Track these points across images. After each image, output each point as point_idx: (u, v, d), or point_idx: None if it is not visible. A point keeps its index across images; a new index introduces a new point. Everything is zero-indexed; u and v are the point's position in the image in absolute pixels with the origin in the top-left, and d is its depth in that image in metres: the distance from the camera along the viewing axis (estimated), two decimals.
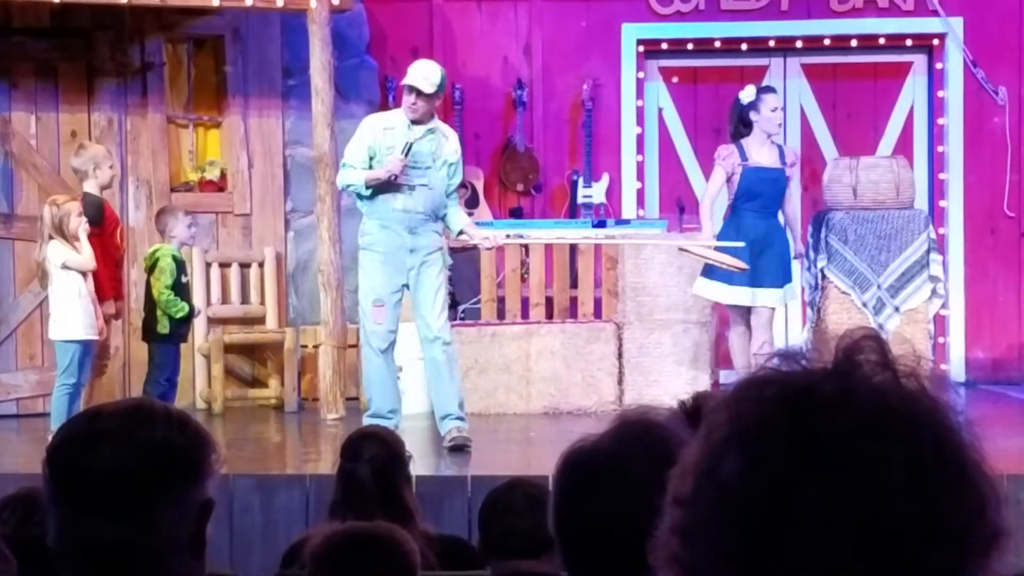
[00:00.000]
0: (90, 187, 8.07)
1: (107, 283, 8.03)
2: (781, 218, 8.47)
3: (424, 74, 7.46)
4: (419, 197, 7.49)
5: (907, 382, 1.05)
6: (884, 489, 1.00)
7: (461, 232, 7.72)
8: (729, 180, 8.30)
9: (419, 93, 7.40)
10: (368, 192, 7.46)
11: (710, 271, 8.28)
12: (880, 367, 1.05)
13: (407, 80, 7.47)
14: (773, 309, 8.39)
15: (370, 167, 7.47)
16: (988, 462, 1.05)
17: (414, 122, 7.46)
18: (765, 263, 8.19)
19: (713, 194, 8.42)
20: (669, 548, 1.06)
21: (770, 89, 8.71)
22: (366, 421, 7.38)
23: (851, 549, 1.00)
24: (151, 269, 8.35)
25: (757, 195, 8.21)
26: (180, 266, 8.36)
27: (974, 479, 1.03)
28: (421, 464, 7.16)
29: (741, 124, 8.34)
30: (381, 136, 7.49)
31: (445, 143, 7.59)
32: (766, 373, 1.06)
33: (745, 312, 8.34)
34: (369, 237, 7.54)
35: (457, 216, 7.71)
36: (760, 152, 8.28)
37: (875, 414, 1.03)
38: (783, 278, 8.34)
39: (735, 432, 1.04)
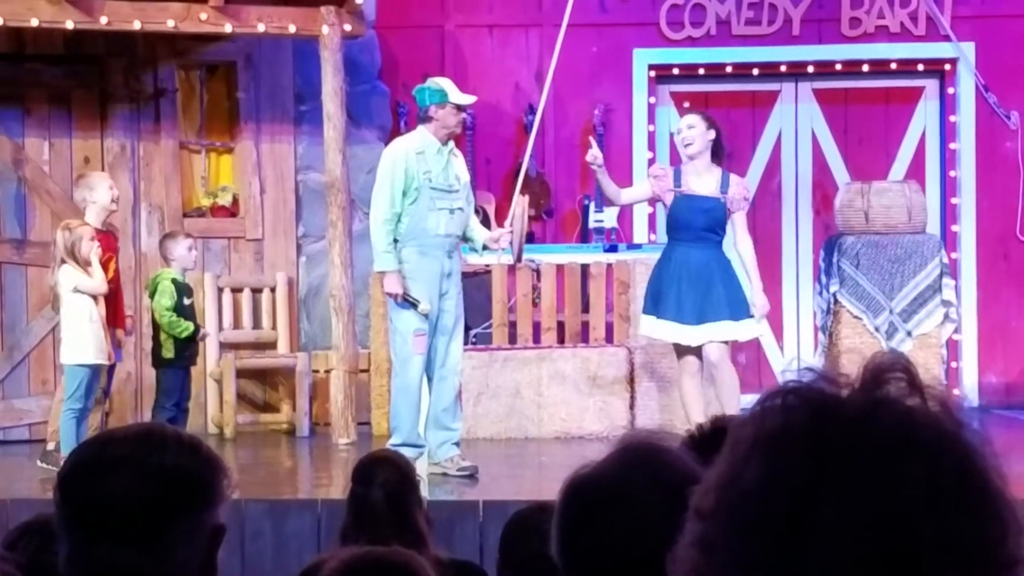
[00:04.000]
0: (90, 215, 7.94)
1: (114, 312, 8.02)
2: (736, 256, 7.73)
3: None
4: (457, 220, 7.49)
5: (933, 405, 1.05)
6: (904, 503, 1.00)
7: (485, 247, 7.72)
8: (660, 202, 7.78)
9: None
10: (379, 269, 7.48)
11: (646, 304, 7.69)
12: (907, 389, 1.05)
13: (465, 99, 7.54)
14: (721, 353, 7.54)
15: (404, 194, 7.42)
16: (1010, 489, 1.04)
17: (444, 141, 7.50)
18: (705, 297, 7.48)
19: (630, 195, 7.89)
20: (689, 561, 1.06)
21: (686, 111, 8.13)
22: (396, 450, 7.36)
23: (868, 562, 0.99)
24: (153, 294, 8.36)
25: (687, 225, 7.54)
26: (181, 289, 8.34)
27: (995, 504, 1.03)
28: (429, 490, 7.16)
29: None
30: (415, 162, 7.42)
31: (459, 161, 7.64)
32: (791, 385, 1.07)
33: (690, 349, 7.58)
34: (408, 265, 7.39)
35: (479, 231, 7.71)
36: (695, 179, 7.61)
37: (899, 430, 1.02)
38: (729, 312, 7.49)
39: (758, 441, 1.04)
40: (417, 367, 7.39)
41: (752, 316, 7.57)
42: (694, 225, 7.55)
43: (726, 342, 7.56)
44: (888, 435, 1.02)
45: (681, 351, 7.64)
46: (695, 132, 7.57)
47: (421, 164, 7.40)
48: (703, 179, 7.59)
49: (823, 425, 1.03)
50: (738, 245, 7.69)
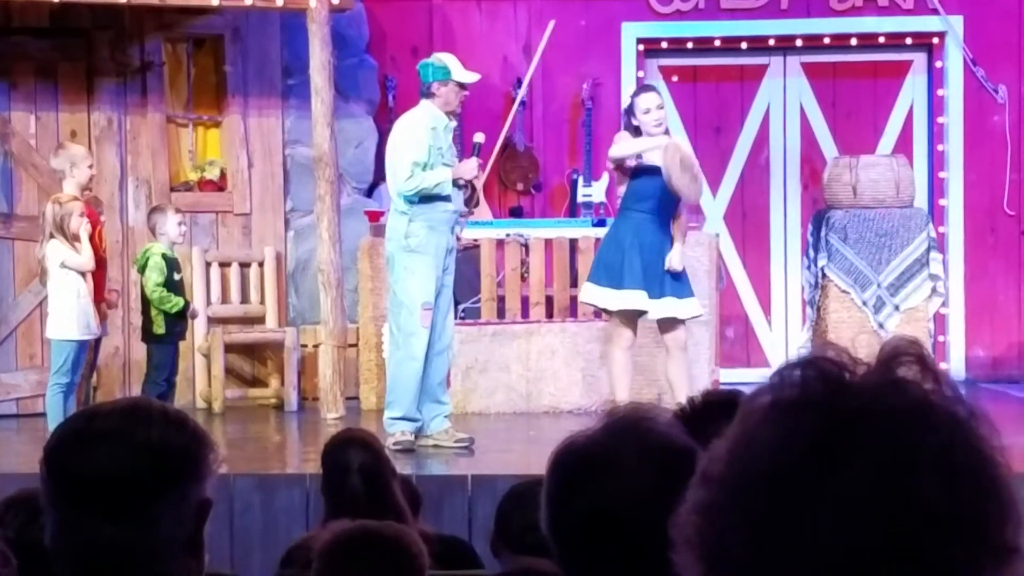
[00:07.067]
0: (69, 187, 7.89)
1: (97, 285, 7.97)
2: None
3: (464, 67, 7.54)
4: (459, 196, 7.54)
5: (947, 390, 1.06)
6: (917, 472, 1.01)
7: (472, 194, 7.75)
8: (622, 169, 7.75)
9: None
10: (449, 192, 7.38)
11: (597, 275, 7.79)
12: (920, 373, 1.07)
13: (470, 77, 7.52)
14: (679, 331, 7.75)
15: (424, 167, 7.42)
16: (1014, 477, 1.06)
17: (449, 117, 7.52)
18: (655, 270, 7.62)
19: (618, 149, 7.69)
20: (692, 527, 1.06)
21: (645, 89, 8.10)
22: (396, 424, 7.38)
23: (877, 530, 1.00)
24: (142, 269, 8.33)
25: (647, 196, 7.65)
26: (171, 264, 8.33)
27: (1000, 490, 1.04)
28: (420, 463, 7.17)
29: (632, 127, 7.78)
30: (431, 137, 7.45)
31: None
32: (809, 358, 1.08)
33: (635, 322, 7.74)
34: (416, 239, 7.40)
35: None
36: (654, 154, 7.68)
37: (915, 406, 1.04)
38: (672, 289, 7.67)
39: (774, 408, 1.05)
40: (422, 341, 7.42)
41: (693, 295, 7.81)
42: (656, 196, 7.65)
43: (680, 331, 7.75)
44: (905, 410, 1.03)
45: (623, 323, 7.75)
46: (663, 113, 7.78)
47: (435, 139, 7.43)
48: (659, 155, 7.71)
49: (840, 395, 1.04)
50: (681, 216, 7.85)
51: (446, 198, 7.42)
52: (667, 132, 7.84)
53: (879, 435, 1.02)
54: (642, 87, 8.43)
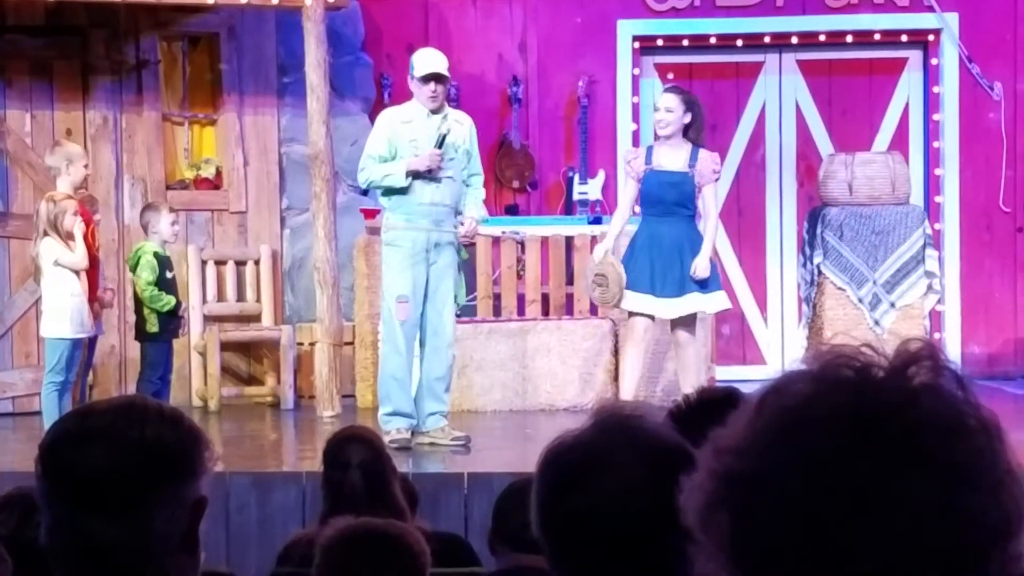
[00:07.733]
0: (63, 185, 7.85)
1: (91, 284, 7.95)
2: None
3: (439, 60, 7.49)
4: (446, 190, 7.48)
5: (972, 397, 1.09)
6: (970, 484, 1.04)
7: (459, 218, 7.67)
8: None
9: (438, 80, 7.41)
10: (402, 184, 7.36)
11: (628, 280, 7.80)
12: (936, 373, 1.08)
13: (427, 70, 7.43)
14: (690, 327, 7.79)
15: (385, 161, 7.41)
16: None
17: (434, 112, 7.47)
18: (669, 270, 7.67)
19: (626, 203, 7.90)
20: (713, 519, 1.06)
21: (666, 88, 8.18)
22: (390, 422, 7.37)
23: (930, 539, 1.02)
24: (134, 267, 8.33)
25: (656, 200, 7.69)
26: (163, 262, 8.33)
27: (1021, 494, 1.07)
28: (416, 461, 7.17)
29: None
30: (401, 130, 7.44)
31: (459, 129, 7.58)
32: (847, 359, 1.08)
33: (648, 322, 7.78)
34: (394, 232, 7.44)
35: (469, 206, 7.65)
36: (665, 155, 7.74)
37: (959, 415, 1.06)
38: (697, 284, 7.68)
39: (806, 414, 1.05)
40: (402, 335, 7.40)
41: (720, 288, 7.84)
42: (665, 200, 7.71)
43: (692, 327, 7.77)
44: (953, 423, 1.06)
45: (635, 319, 7.80)
46: (672, 116, 7.71)
47: (407, 132, 7.41)
48: (673, 155, 7.74)
49: (894, 405, 1.05)
50: (704, 219, 7.86)
51: (421, 191, 7.38)
52: (669, 137, 7.74)
53: (931, 448, 1.04)
54: (666, 86, 8.48)
